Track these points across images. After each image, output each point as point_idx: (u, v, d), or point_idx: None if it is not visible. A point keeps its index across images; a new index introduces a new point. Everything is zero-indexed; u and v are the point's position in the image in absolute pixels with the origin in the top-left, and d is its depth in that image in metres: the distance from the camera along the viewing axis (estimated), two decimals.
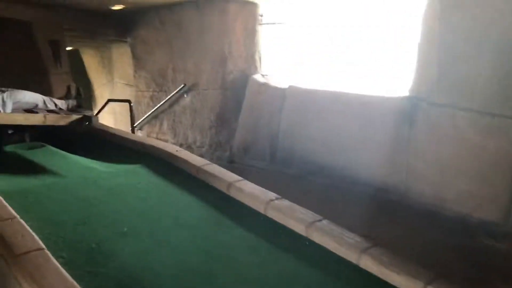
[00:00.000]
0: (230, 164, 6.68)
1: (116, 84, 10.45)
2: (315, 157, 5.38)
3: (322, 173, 5.29)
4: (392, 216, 4.58)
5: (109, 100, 7.86)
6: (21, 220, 3.20)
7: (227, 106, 6.80)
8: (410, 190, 4.67)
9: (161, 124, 8.21)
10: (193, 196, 3.97)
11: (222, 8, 6.55)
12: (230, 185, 3.98)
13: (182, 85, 7.43)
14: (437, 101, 4.41)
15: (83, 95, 6.79)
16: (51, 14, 6.85)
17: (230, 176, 4.14)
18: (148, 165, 4.64)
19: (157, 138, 8.42)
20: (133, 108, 9.11)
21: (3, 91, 5.96)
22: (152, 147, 4.98)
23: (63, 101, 6.55)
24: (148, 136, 8.64)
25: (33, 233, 3.03)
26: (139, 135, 8.93)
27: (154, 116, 8.27)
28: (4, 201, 3.46)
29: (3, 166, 4.89)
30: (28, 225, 3.26)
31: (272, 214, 3.58)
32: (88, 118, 6.28)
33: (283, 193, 5.18)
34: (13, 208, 3.52)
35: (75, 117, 6.25)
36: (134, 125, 8.78)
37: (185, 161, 4.51)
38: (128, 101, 7.13)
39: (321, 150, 5.31)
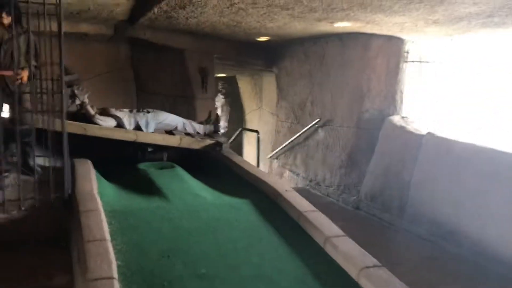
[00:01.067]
0: (355, 211, 6.16)
1: (263, 112, 10.69)
2: (447, 219, 4.58)
3: (452, 240, 4.47)
4: None
5: (242, 129, 7.99)
6: (110, 244, 3.29)
7: (360, 146, 6.32)
8: None
9: (295, 157, 8.06)
10: (285, 245, 3.66)
11: (365, 42, 6.15)
12: (327, 239, 3.57)
13: (317, 119, 7.19)
14: None
15: (220, 121, 7.00)
16: (202, 43, 7.29)
17: (330, 229, 3.73)
18: (254, 201, 4.49)
19: (290, 171, 8.31)
20: (272, 137, 9.23)
21: (149, 112, 6.46)
22: (264, 182, 4.82)
23: (201, 126, 6.84)
24: (282, 167, 8.58)
25: (113, 260, 3.08)
26: (274, 165, 8.94)
27: (290, 148, 8.17)
28: (104, 221, 3.63)
29: (130, 182, 5.25)
30: (116, 249, 3.36)
31: (364, 283, 3.07)
32: (220, 144, 6.45)
33: (401, 256, 4.56)
34: (112, 229, 3.69)
35: (208, 142, 6.47)
36: (270, 155, 8.85)
37: (290, 204, 4.23)
38: (256, 131, 7.12)
39: (454, 212, 4.50)
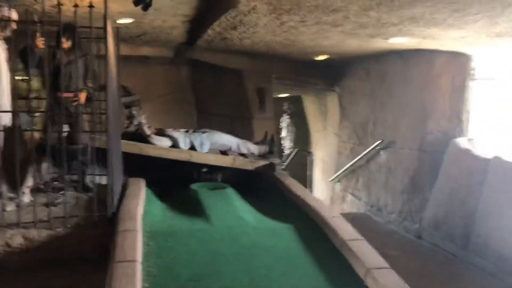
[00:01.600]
0: (417, 240, 5.69)
1: (328, 132, 10.41)
2: None
3: None
4: None
5: (298, 150, 7.78)
6: (140, 265, 3.26)
7: (423, 170, 5.86)
8: None
9: (357, 180, 7.69)
10: (321, 275, 3.42)
11: (428, 59, 5.74)
12: (368, 271, 3.27)
13: (380, 141, 6.81)
14: None
15: (276, 142, 6.88)
16: (259, 63, 7.26)
17: (373, 259, 3.42)
18: (298, 227, 4.29)
19: (352, 195, 7.94)
20: (335, 158, 8.91)
21: (204, 132, 6.51)
22: (310, 207, 4.59)
23: (256, 146, 6.76)
24: (344, 191, 8.24)
25: (139, 282, 3.03)
26: (336, 188, 8.61)
27: (352, 171, 7.82)
28: (140, 242, 3.62)
29: (179, 202, 5.27)
30: (146, 271, 3.32)
31: None
32: (273, 166, 6.32)
33: None
34: (148, 250, 3.67)
35: (261, 163, 6.37)
36: (332, 178, 8.54)
37: (334, 231, 3.97)
38: (309, 152, 6.88)
39: None
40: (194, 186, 5.84)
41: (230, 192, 5.59)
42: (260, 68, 7.34)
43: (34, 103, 5.04)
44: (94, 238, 4.07)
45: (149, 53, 6.90)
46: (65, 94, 4.96)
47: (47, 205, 4.32)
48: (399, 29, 4.47)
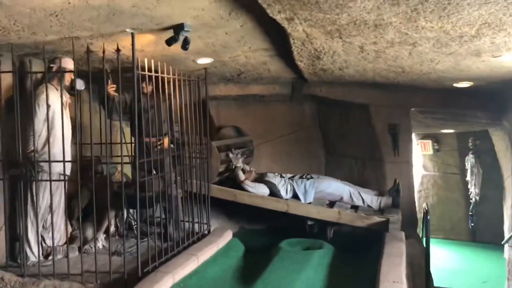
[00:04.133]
0: None
1: None
2: None
3: None
4: None
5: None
6: None
7: None
8: None
9: None
10: None
11: None
12: None
13: None
14: None
15: (401, 193, 5.50)
16: (389, 95, 5.97)
17: None
18: None
19: None
20: None
21: (308, 179, 5.64)
22: None
23: (375, 197, 5.53)
24: None
25: None
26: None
27: None
28: None
29: (249, 262, 4.56)
30: None
31: None
32: (385, 224, 5.01)
33: None
34: None
35: (376, 219, 5.14)
36: (505, 239, 6.46)
37: None
38: (427, 211, 5.12)
39: None
40: (285, 242, 5.03)
41: (321, 256, 4.62)
42: (391, 101, 6.07)
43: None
44: None
45: (261, 91, 6.40)
46: (147, 139, 4.88)
47: (113, 253, 4.20)
48: None
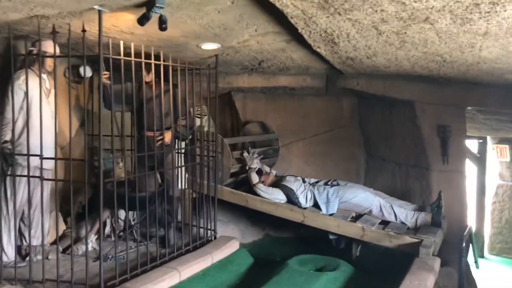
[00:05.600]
0: None
1: None
2: None
3: None
4: None
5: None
6: None
7: None
8: None
9: None
10: None
11: None
12: None
13: None
14: None
15: (443, 208, 4.55)
16: (439, 91, 4.98)
17: None
18: None
19: None
20: None
21: (332, 186, 4.87)
22: None
23: (410, 213, 4.64)
24: None
25: None
26: None
27: None
28: None
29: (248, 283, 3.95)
30: None
31: None
32: (417, 247, 4.12)
33: None
34: None
35: (407, 240, 4.28)
36: None
37: None
38: (471, 235, 4.11)
39: None
40: (294, 260, 4.37)
41: (328, 279, 3.93)
42: (441, 98, 5.08)
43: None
44: None
45: (290, 83, 5.68)
46: (148, 133, 4.40)
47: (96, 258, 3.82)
48: None
